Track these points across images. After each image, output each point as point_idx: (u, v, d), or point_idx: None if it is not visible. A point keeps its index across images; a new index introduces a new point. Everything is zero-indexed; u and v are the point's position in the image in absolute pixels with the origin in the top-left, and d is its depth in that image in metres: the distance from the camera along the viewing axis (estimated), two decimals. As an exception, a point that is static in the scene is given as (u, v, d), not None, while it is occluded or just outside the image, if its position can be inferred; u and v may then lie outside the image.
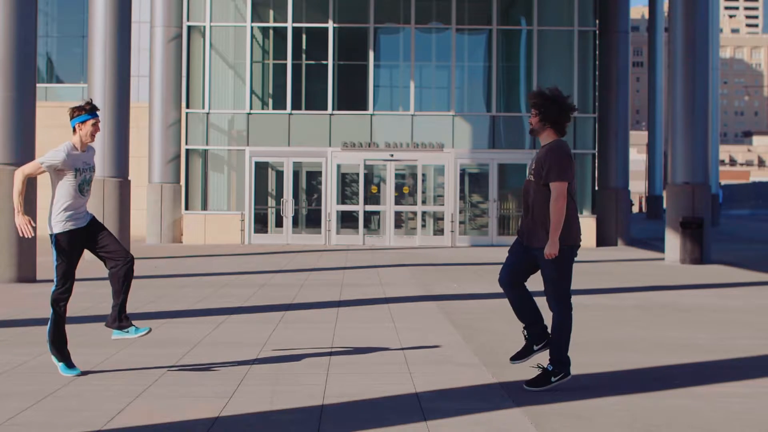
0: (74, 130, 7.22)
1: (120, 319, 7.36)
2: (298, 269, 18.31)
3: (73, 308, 11.62)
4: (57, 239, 7.15)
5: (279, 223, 27.70)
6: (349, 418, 6.02)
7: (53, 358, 7.29)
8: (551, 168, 6.63)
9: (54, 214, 7.17)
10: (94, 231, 7.28)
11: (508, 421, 5.93)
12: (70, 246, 7.17)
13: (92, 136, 7.21)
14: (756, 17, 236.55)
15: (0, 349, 8.49)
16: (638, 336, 9.71)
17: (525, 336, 6.99)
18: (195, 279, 15.92)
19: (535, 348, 6.96)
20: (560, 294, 6.81)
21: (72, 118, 7.20)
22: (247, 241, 27.24)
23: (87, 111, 7.20)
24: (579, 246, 6.83)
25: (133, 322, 7.45)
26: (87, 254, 7.68)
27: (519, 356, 7.01)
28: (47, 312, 11.16)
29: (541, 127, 6.79)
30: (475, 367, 7.80)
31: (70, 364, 7.28)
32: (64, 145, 7.20)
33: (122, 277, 7.26)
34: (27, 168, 7.17)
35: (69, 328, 9.84)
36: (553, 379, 6.83)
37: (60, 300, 7.20)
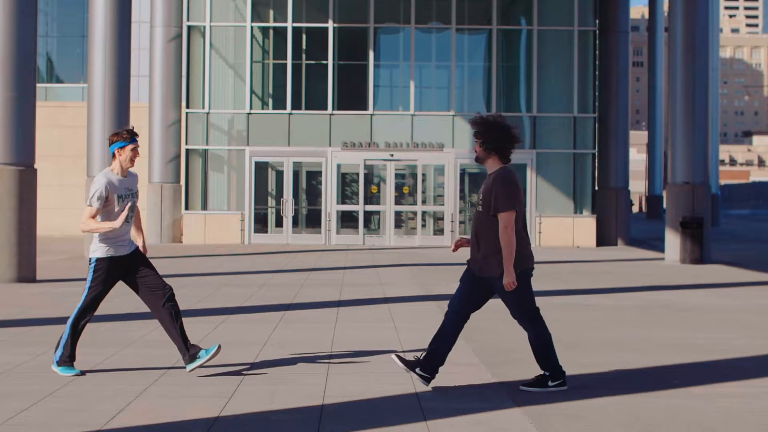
0: (114, 156, 7.22)
1: (187, 348, 7.25)
2: (298, 269, 18.31)
3: (72, 308, 11.63)
4: (96, 264, 7.13)
5: (279, 223, 27.70)
6: (349, 418, 6.02)
7: (55, 365, 7.26)
8: (497, 198, 6.63)
9: (96, 239, 7.16)
10: (136, 262, 7.26)
11: (508, 421, 5.93)
12: (107, 273, 7.16)
13: (132, 161, 7.21)
14: (756, 17, 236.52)
15: (0, 349, 8.49)
16: (638, 336, 9.71)
17: (418, 356, 6.87)
18: (195, 279, 15.91)
19: (417, 371, 6.82)
20: (527, 314, 6.84)
21: (111, 144, 7.21)
22: (247, 240, 27.24)
23: (125, 138, 7.20)
24: (532, 269, 6.83)
25: (200, 346, 7.37)
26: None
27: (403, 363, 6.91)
28: (47, 312, 11.20)
29: (486, 155, 6.77)
30: (475, 366, 7.80)
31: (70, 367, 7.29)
32: (101, 173, 7.22)
33: (170, 314, 7.20)
34: (86, 219, 7.07)
35: (69, 328, 9.87)
36: (550, 383, 6.84)
37: (81, 319, 7.20)
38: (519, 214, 6.72)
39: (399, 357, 6.84)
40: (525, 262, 6.74)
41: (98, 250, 7.15)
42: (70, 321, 7.27)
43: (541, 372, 6.91)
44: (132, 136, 7.22)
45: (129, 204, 7.12)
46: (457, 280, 16.90)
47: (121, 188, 7.16)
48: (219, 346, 7.25)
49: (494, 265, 6.69)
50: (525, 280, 6.76)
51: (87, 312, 7.22)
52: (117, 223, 6.99)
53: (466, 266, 6.97)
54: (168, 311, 7.20)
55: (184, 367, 7.57)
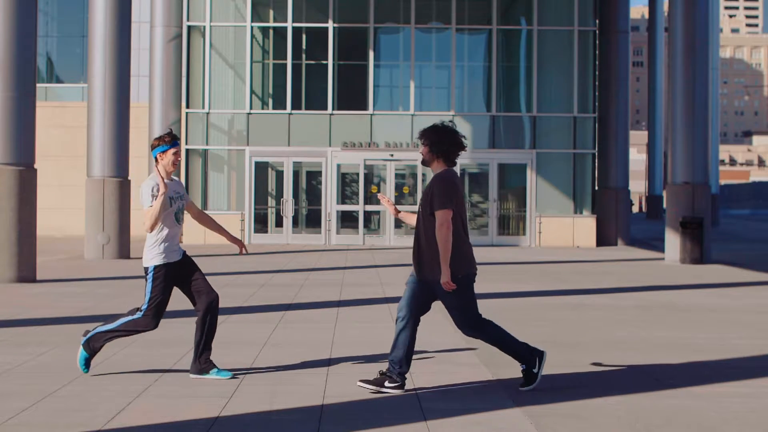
0: (156, 160, 7.23)
1: (199, 358, 7.22)
2: (298, 269, 18.31)
3: (73, 308, 11.64)
4: (155, 272, 7.11)
5: (279, 223, 27.70)
6: (349, 418, 6.03)
7: (82, 350, 7.22)
8: (434, 196, 6.72)
9: (151, 246, 7.13)
10: (188, 267, 7.28)
11: (508, 421, 5.93)
12: (165, 279, 7.14)
13: (174, 165, 7.21)
14: (756, 17, 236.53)
15: (0, 349, 8.49)
16: (638, 336, 9.71)
17: (381, 371, 6.80)
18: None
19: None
20: (470, 322, 6.77)
21: (153, 149, 7.23)
22: (247, 240, 27.24)
23: (167, 141, 7.22)
24: (474, 274, 6.78)
25: (216, 365, 7.32)
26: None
27: (370, 382, 6.81)
28: (47, 312, 11.20)
29: (432, 157, 6.97)
30: (474, 367, 7.80)
31: (88, 363, 7.26)
32: (148, 178, 7.23)
33: (203, 321, 7.18)
34: (149, 218, 6.99)
35: (68, 328, 9.88)
36: (534, 370, 6.81)
37: (140, 327, 7.14)
38: (458, 216, 6.73)
39: (364, 381, 6.75)
40: (467, 267, 6.70)
41: (154, 257, 7.12)
42: (120, 321, 7.17)
43: (521, 367, 6.87)
44: (173, 140, 7.24)
45: (167, 198, 7.05)
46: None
47: (171, 191, 7.17)
48: (232, 376, 7.21)
49: (436, 268, 6.65)
50: (468, 286, 6.71)
51: (149, 324, 7.12)
52: (160, 199, 6.94)
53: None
54: (203, 318, 7.19)
55: (185, 368, 7.57)
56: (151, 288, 7.12)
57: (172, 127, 27.22)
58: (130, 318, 7.17)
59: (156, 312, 7.14)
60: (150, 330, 7.19)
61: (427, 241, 6.73)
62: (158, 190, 7.05)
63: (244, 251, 7.63)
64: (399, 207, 30.99)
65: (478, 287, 15.82)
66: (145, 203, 7.10)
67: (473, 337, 6.84)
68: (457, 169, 27.34)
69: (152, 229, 7.06)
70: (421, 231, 6.79)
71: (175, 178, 7.41)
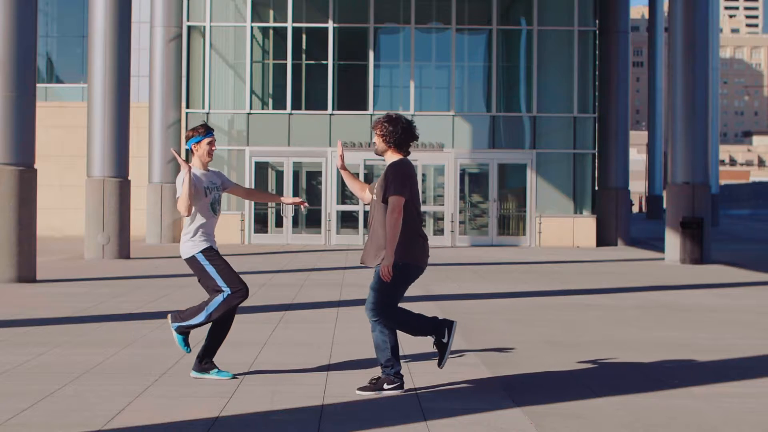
0: (191, 151, 7.27)
1: (201, 358, 7.22)
2: (298, 269, 18.31)
3: (73, 308, 11.64)
4: (205, 253, 7.11)
5: (279, 223, 27.70)
6: (349, 418, 6.03)
7: (177, 335, 7.19)
8: (389, 183, 6.71)
9: (189, 238, 7.14)
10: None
11: (508, 421, 5.93)
12: (217, 254, 7.17)
13: (209, 155, 7.24)
14: (756, 17, 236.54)
15: (0, 349, 8.49)
16: (638, 336, 9.71)
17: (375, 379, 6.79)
18: (195, 279, 15.89)
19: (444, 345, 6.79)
20: (380, 307, 6.63)
21: (188, 140, 7.26)
22: (247, 241, 27.24)
23: (200, 132, 7.24)
24: (418, 267, 6.69)
25: (217, 366, 7.30)
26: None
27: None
28: (47, 312, 11.20)
29: (385, 147, 6.97)
30: (475, 367, 7.80)
31: (187, 342, 7.27)
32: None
33: (221, 321, 7.20)
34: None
35: (68, 328, 9.87)
36: (444, 340, 6.75)
37: (236, 300, 7.13)
38: (413, 207, 6.73)
39: (363, 388, 6.71)
40: (410, 257, 6.63)
41: (196, 245, 7.13)
42: (210, 310, 7.11)
43: (432, 339, 6.81)
44: (207, 130, 7.27)
45: (188, 172, 7.03)
46: (457, 279, 16.90)
47: (206, 181, 7.19)
48: (233, 376, 7.21)
49: (372, 254, 6.67)
50: (402, 276, 6.63)
51: (238, 290, 7.11)
52: (186, 176, 6.93)
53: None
54: (221, 318, 7.20)
55: (185, 368, 7.58)
56: (212, 266, 7.14)
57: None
58: (219, 301, 7.12)
59: (234, 278, 7.16)
60: (245, 294, 7.17)
61: (377, 228, 6.71)
62: (198, 177, 7.10)
63: (305, 207, 7.61)
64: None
65: (479, 287, 15.84)
66: (178, 191, 7.09)
67: (375, 322, 6.67)
68: (456, 166, 27.41)
69: (189, 212, 7.02)
70: (375, 221, 6.77)
71: (212, 168, 7.41)
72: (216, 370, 7.20)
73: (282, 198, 7.58)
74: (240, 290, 7.14)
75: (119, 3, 20.13)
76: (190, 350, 7.34)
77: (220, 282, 7.11)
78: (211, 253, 7.15)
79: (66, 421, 5.82)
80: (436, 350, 6.90)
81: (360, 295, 13.44)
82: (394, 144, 6.93)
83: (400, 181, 6.71)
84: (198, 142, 7.24)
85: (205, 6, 27.81)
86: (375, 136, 6.99)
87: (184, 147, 27.62)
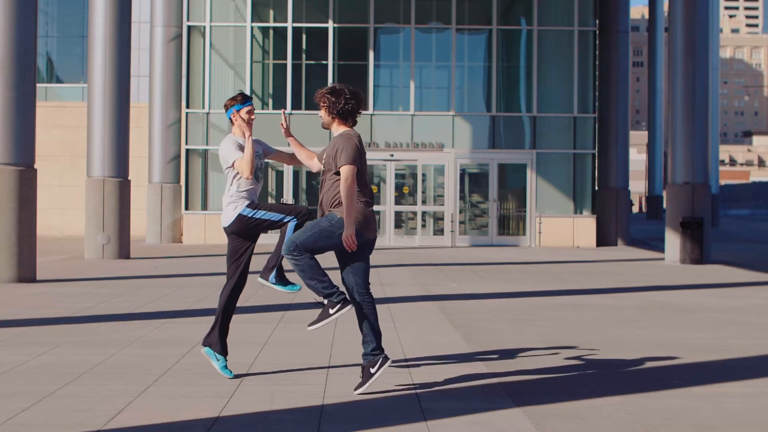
0: (231, 121, 7.27)
1: (209, 334, 7.28)
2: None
3: (73, 308, 11.64)
4: (251, 206, 7.12)
5: (279, 223, 27.67)
6: (349, 418, 6.03)
7: (279, 286, 7.23)
8: (339, 153, 6.63)
9: (232, 202, 7.13)
10: (252, 237, 7.38)
11: (508, 421, 5.93)
12: (257, 205, 7.21)
13: (249, 123, 7.21)
14: (756, 17, 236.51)
15: (0, 349, 8.49)
16: (638, 336, 9.71)
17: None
18: (195, 279, 15.91)
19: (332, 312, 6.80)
20: (299, 244, 6.67)
21: (227, 109, 7.26)
22: (247, 241, 27.22)
23: (239, 101, 7.25)
24: (360, 235, 6.62)
25: (288, 278, 7.34)
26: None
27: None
28: (47, 312, 11.20)
29: (330, 119, 6.84)
30: (475, 367, 7.80)
31: (285, 282, 7.31)
32: (227, 139, 7.21)
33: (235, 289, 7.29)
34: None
35: (68, 328, 9.87)
36: (331, 311, 6.73)
37: (304, 217, 7.19)
38: (362, 176, 6.66)
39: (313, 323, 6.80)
40: (360, 226, 6.61)
41: (239, 205, 7.13)
42: (287, 235, 7.17)
43: (322, 301, 6.82)
44: (245, 99, 7.27)
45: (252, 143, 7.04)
46: (457, 280, 16.90)
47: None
48: (234, 376, 7.21)
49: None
50: (338, 231, 6.61)
51: (299, 214, 7.18)
52: (249, 144, 6.97)
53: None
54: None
55: (185, 368, 7.58)
56: (261, 211, 7.16)
57: (173, 124, 27.22)
58: (292, 228, 7.18)
59: (289, 208, 7.22)
60: (306, 212, 7.24)
61: (327, 198, 6.70)
62: (235, 147, 7.08)
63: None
64: (399, 207, 30.62)
65: (479, 287, 15.83)
66: (230, 157, 7.08)
67: (287, 257, 6.73)
68: (456, 166, 27.39)
69: (251, 174, 7.04)
70: (323, 191, 6.74)
71: (256, 138, 7.41)
72: (223, 362, 7.18)
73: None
74: (301, 213, 7.20)
75: (119, 3, 20.13)
76: (297, 287, 7.29)
77: (279, 218, 7.16)
78: (253, 204, 7.16)
79: (66, 421, 5.82)
80: (318, 306, 6.87)
81: (360, 295, 13.44)
82: (338, 115, 6.79)
83: (350, 151, 6.62)
84: (237, 111, 7.24)
85: (205, 6, 27.81)
86: (320, 110, 6.88)
87: (184, 147, 27.65)
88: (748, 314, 11.79)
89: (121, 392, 6.67)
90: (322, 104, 6.85)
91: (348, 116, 6.83)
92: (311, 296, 12.56)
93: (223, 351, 7.23)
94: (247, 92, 27.84)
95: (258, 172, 7.24)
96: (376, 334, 6.82)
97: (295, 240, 6.75)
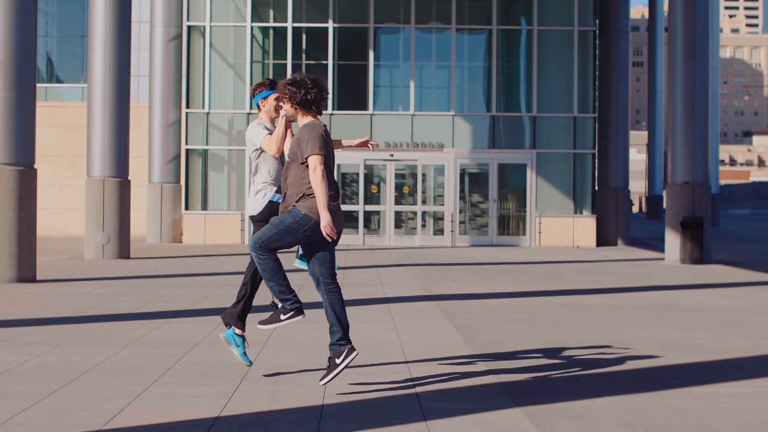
0: (258, 107, 7.27)
1: (229, 314, 7.32)
2: (298, 269, 18.26)
3: (73, 308, 11.64)
4: (271, 205, 7.13)
5: (279, 223, 27.67)
6: (349, 418, 6.02)
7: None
8: (305, 144, 6.58)
9: (260, 189, 7.14)
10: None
11: (508, 421, 5.93)
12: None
13: (276, 110, 7.21)
14: (756, 17, 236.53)
15: (0, 349, 8.49)
16: (638, 336, 9.71)
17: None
18: (195, 279, 15.91)
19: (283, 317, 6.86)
20: (262, 245, 6.68)
21: (254, 96, 7.27)
22: (248, 241, 27.22)
23: (267, 86, 7.25)
24: (318, 224, 6.56)
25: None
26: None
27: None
28: (47, 312, 11.20)
29: (294, 111, 6.79)
30: (475, 367, 7.80)
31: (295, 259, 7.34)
32: (256, 124, 7.19)
33: (255, 276, 7.33)
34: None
35: (68, 328, 9.87)
36: (282, 317, 6.79)
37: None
38: (327, 168, 6.60)
39: (263, 322, 6.85)
40: (315, 213, 6.57)
41: (268, 193, 7.15)
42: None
43: (275, 304, 6.81)
44: (272, 85, 7.26)
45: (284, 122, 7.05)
46: (457, 280, 16.89)
47: None
48: (250, 364, 7.22)
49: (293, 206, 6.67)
50: (302, 224, 6.60)
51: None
52: (282, 121, 6.92)
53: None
54: (253, 275, 7.34)
55: (185, 368, 7.58)
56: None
57: (173, 124, 27.22)
58: None
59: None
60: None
61: (293, 188, 6.65)
62: (267, 131, 7.08)
63: (372, 145, 7.59)
64: (399, 207, 30.71)
65: (479, 287, 15.85)
66: (259, 136, 7.08)
67: (252, 254, 6.76)
68: (456, 166, 27.38)
69: (279, 152, 7.03)
70: (288, 182, 6.69)
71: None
72: (244, 350, 7.16)
73: (349, 141, 7.55)
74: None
75: (119, 3, 20.14)
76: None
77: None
78: (281, 189, 7.18)
79: (66, 421, 5.82)
80: (273, 307, 6.89)
81: (360, 295, 13.45)
82: (300, 105, 6.72)
83: (315, 140, 6.57)
84: (265, 98, 7.25)
85: (205, 6, 27.81)
86: (285, 105, 6.80)
87: (184, 147, 27.65)
88: (748, 314, 11.79)
89: (121, 392, 6.66)
90: (283, 96, 6.78)
91: (311, 106, 6.76)
92: (317, 296, 12.60)
93: (241, 325, 7.20)
94: (248, 92, 27.82)
95: (284, 158, 7.23)
96: (343, 324, 6.84)
97: (261, 237, 6.75)
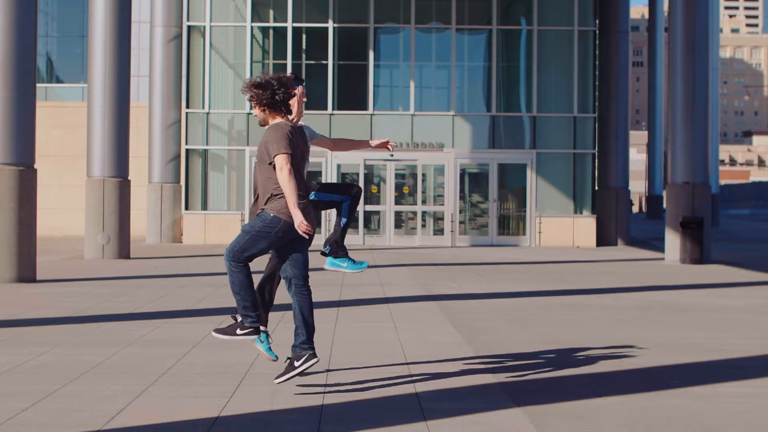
0: None
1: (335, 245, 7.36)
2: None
3: (73, 308, 11.64)
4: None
5: (279, 223, 27.67)
6: (349, 418, 6.03)
7: (334, 261, 7.39)
8: (270, 144, 6.56)
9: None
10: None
11: (508, 421, 5.93)
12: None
13: (300, 103, 7.17)
14: (756, 17, 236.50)
15: (0, 349, 8.49)
16: (638, 336, 9.71)
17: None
18: (195, 279, 15.91)
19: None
20: (235, 255, 6.69)
21: None
22: (247, 241, 27.21)
23: (293, 80, 7.21)
24: (291, 225, 6.54)
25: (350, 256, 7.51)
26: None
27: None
28: (47, 312, 11.20)
29: (263, 114, 6.77)
30: (475, 367, 7.80)
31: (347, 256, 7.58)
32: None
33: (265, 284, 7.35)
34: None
35: (68, 328, 9.87)
36: (238, 332, 6.79)
37: (357, 198, 7.45)
38: (295, 169, 6.59)
39: (219, 330, 6.88)
40: (283, 213, 6.56)
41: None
42: (344, 218, 7.38)
43: (238, 319, 6.81)
44: (297, 80, 7.22)
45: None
46: (457, 280, 16.89)
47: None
48: (276, 359, 7.18)
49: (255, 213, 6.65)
50: (275, 231, 6.58)
51: (356, 197, 7.42)
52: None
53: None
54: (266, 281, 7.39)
55: (185, 368, 7.58)
56: (317, 193, 7.26)
57: (173, 124, 27.20)
58: (347, 207, 7.45)
59: (339, 187, 7.42)
60: (359, 189, 7.54)
61: (262, 189, 6.64)
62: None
63: (391, 147, 7.61)
64: (399, 207, 30.67)
65: (479, 287, 15.82)
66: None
67: (226, 265, 6.77)
68: (456, 166, 27.38)
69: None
70: (258, 183, 6.68)
71: (303, 123, 7.38)
72: (269, 344, 7.14)
73: (370, 142, 7.55)
74: (355, 192, 7.35)
75: (119, 3, 20.13)
76: (351, 262, 7.35)
77: (333, 197, 7.20)
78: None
79: (66, 421, 5.82)
80: (232, 320, 6.90)
81: (360, 295, 13.45)
82: (268, 106, 6.71)
83: (280, 140, 6.54)
84: None
85: (205, 6, 27.81)
86: (254, 110, 6.79)
87: (184, 147, 27.64)
88: (748, 314, 11.79)
89: (121, 392, 6.67)
90: (249, 99, 6.74)
91: (280, 106, 6.73)
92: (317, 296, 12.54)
93: (263, 321, 7.20)
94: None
95: (305, 153, 7.23)
96: (309, 328, 6.78)
97: (234, 247, 6.74)
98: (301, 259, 6.77)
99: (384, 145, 7.53)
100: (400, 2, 28.33)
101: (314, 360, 6.65)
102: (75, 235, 28.72)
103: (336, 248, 7.44)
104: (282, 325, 10.26)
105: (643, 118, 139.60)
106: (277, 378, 6.67)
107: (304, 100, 7.21)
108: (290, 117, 6.87)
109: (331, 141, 7.63)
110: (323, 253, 7.48)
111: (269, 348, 7.18)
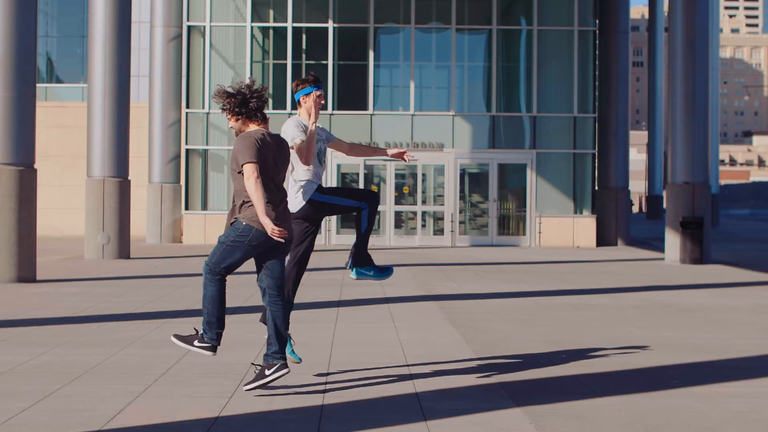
0: (299, 103, 7.22)
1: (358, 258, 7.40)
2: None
3: (73, 308, 11.65)
4: (318, 193, 7.12)
5: (279, 223, 27.66)
6: (349, 418, 6.03)
7: (360, 271, 7.41)
8: (238, 153, 6.55)
9: (300, 187, 7.11)
10: (316, 222, 7.42)
11: (508, 421, 5.93)
12: (326, 190, 7.24)
13: (317, 107, 7.15)
14: (756, 17, 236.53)
15: (0, 349, 8.49)
16: (638, 336, 9.71)
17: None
18: (195, 279, 15.90)
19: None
20: (214, 266, 6.73)
21: (296, 92, 7.21)
22: (247, 241, 27.21)
23: (310, 83, 7.18)
24: (263, 233, 6.50)
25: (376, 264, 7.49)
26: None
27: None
28: (47, 312, 11.20)
29: (237, 123, 6.73)
30: (475, 367, 7.80)
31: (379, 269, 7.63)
32: (292, 120, 7.16)
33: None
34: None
35: (68, 328, 9.87)
36: (195, 343, 6.75)
37: (376, 205, 7.35)
38: (267, 176, 6.54)
39: (177, 337, 6.86)
40: (255, 221, 6.52)
41: (308, 191, 7.11)
42: (365, 224, 7.32)
43: (200, 333, 6.80)
44: (316, 82, 7.19)
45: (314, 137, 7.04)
46: (457, 280, 16.91)
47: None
48: (300, 361, 7.20)
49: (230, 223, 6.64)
50: (248, 240, 6.57)
51: (370, 200, 7.31)
52: (311, 138, 6.97)
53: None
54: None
55: (185, 368, 7.58)
56: (331, 197, 7.17)
57: (173, 124, 27.20)
58: (366, 215, 7.30)
59: (359, 193, 7.33)
60: (377, 198, 7.41)
61: (237, 198, 6.64)
62: (299, 129, 7.06)
63: (407, 158, 7.63)
64: (399, 207, 30.69)
65: (479, 287, 15.83)
66: (295, 136, 7.07)
67: (204, 276, 6.82)
68: (456, 166, 27.38)
69: (309, 162, 7.04)
70: (236, 194, 6.67)
71: (319, 125, 7.37)
72: (290, 346, 7.13)
73: (387, 151, 7.55)
74: (373, 198, 7.28)
75: (119, 3, 20.13)
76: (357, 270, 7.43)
77: (350, 203, 7.19)
78: (322, 188, 7.17)
79: (66, 421, 5.82)
80: (194, 332, 6.87)
81: (360, 295, 13.45)
82: (240, 114, 6.67)
83: (247, 149, 6.52)
84: (307, 94, 7.17)
85: (205, 6, 27.81)
86: (229, 120, 6.75)
87: (184, 147, 27.64)
88: (748, 314, 11.79)
89: (121, 392, 6.66)
90: (224, 109, 6.70)
91: (255, 114, 6.71)
92: (316, 296, 12.61)
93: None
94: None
95: (321, 155, 7.22)
96: (281, 339, 6.70)
97: (210, 258, 6.76)
98: (277, 269, 6.74)
99: (400, 155, 7.52)
100: (400, 2, 28.33)
101: (285, 370, 6.61)
102: (75, 235, 28.72)
103: (359, 258, 7.44)
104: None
105: (643, 118, 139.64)
106: (246, 385, 6.65)
107: (322, 102, 7.18)
108: (267, 124, 6.84)
109: (347, 145, 7.60)
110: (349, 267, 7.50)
111: (292, 351, 7.18)
